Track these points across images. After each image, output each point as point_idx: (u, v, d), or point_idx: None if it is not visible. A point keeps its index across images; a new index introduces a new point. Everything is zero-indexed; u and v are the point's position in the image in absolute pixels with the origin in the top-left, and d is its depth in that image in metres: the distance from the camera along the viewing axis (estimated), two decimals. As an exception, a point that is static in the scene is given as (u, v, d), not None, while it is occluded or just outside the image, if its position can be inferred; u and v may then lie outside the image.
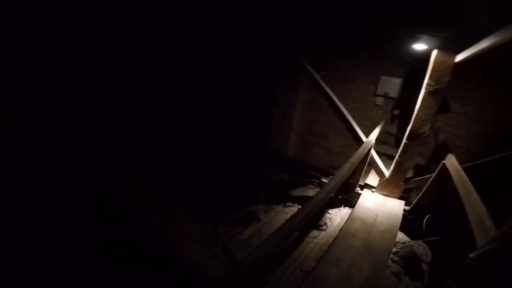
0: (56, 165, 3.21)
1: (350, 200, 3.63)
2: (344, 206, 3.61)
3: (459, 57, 2.80)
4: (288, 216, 4.09)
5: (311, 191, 4.46)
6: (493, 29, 1.88)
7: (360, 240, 2.69)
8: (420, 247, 2.50)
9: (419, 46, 4.82)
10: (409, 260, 2.55)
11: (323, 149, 5.96)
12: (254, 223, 4.10)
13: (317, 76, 4.81)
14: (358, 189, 3.79)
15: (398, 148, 3.46)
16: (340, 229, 3.03)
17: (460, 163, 2.87)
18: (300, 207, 4.20)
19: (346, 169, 2.91)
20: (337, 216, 3.44)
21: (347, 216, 3.28)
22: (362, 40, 5.45)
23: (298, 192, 4.51)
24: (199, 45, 4.31)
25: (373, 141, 3.72)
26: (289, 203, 4.35)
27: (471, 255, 1.11)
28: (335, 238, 2.93)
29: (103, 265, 2.92)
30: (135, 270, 3.01)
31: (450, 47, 2.92)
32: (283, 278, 2.83)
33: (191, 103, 4.61)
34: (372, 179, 3.89)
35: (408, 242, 2.72)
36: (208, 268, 3.21)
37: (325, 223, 3.44)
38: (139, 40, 3.55)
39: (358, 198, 3.51)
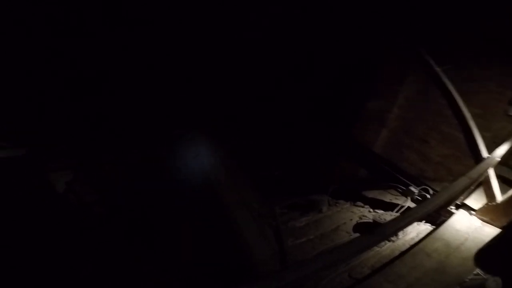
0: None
1: (435, 216, 3.13)
2: (425, 222, 3.14)
3: None
4: (355, 216, 3.83)
5: (389, 197, 4.03)
6: None
7: (435, 262, 2.32)
8: (493, 283, 2.02)
9: None
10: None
11: (418, 154, 5.21)
12: (314, 213, 3.98)
13: (438, 70, 4.21)
14: (453, 207, 3.24)
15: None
16: (413, 245, 2.71)
17: None
18: (371, 210, 3.88)
19: (463, 184, 2.67)
20: (413, 230, 3.03)
21: (424, 232, 2.90)
22: (503, 37, 4.47)
23: (373, 194, 4.14)
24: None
25: (498, 159, 3.22)
26: (359, 203, 4.05)
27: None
28: (402, 253, 2.65)
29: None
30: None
31: None
32: (328, 278, 2.69)
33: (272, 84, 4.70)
34: (473, 200, 3.27)
35: (483, 275, 2.23)
36: (258, 250, 3.27)
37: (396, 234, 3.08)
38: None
39: (448, 217, 3.01)
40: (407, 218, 2.21)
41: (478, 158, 3.36)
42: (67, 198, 3.13)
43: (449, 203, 3.20)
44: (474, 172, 2.83)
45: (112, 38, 3.59)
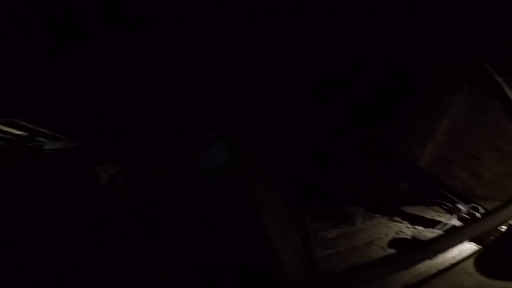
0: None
1: (482, 235, 2.83)
2: (470, 241, 2.86)
3: None
4: (391, 231, 3.62)
5: (431, 214, 3.74)
6: None
7: (475, 281, 2.12)
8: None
9: None
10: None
11: (468, 171, 4.75)
12: (347, 226, 3.84)
13: (500, 80, 3.89)
14: (505, 227, 2.92)
15: None
16: (454, 264, 2.52)
17: None
18: (409, 226, 3.63)
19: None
20: (455, 248, 2.77)
21: (468, 251, 2.69)
22: None
23: (413, 210, 3.88)
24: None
25: None
26: (396, 218, 3.82)
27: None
28: (441, 271, 2.45)
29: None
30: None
31: None
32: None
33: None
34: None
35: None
36: (285, 259, 3.21)
37: (436, 252, 2.85)
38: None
39: (498, 236, 2.72)
40: (463, 235, 2.08)
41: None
42: (109, 190, 3.40)
43: (503, 222, 2.91)
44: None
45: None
